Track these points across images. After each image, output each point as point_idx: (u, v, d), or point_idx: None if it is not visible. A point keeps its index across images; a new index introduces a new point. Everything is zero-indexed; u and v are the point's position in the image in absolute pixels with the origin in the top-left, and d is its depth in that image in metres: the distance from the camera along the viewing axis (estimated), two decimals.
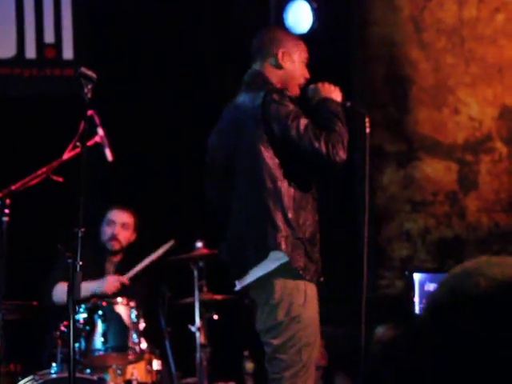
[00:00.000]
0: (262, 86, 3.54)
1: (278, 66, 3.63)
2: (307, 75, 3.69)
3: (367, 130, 3.70)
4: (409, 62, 6.64)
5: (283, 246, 3.39)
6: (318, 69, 6.13)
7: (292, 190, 3.45)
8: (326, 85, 3.64)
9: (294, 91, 3.63)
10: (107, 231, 5.24)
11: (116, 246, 5.23)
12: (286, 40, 3.69)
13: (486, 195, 6.46)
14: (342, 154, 3.43)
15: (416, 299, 5.33)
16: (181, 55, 6.14)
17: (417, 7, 6.71)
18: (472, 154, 6.52)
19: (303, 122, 3.43)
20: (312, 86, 3.66)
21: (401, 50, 6.66)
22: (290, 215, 3.42)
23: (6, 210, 4.07)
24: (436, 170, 6.49)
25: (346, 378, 5.55)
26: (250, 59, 3.70)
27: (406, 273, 5.33)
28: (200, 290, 5.05)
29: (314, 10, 6.21)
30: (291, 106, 3.46)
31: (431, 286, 5.27)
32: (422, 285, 5.30)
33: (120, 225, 5.23)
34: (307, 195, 3.51)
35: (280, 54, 3.63)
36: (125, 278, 4.94)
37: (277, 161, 3.45)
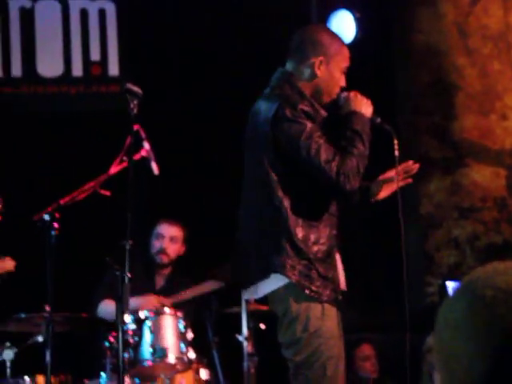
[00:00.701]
0: (282, 94, 3.38)
1: (313, 74, 3.43)
2: (343, 84, 3.48)
3: (396, 153, 3.44)
4: (454, 69, 6.61)
5: (288, 272, 3.25)
6: (362, 79, 6.14)
7: (302, 208, 3.30)
8: (358, 96, 3.44)
9: (327, 98, 3.46)
10: (156, 245, 5.28)
11: (165, 260, 5.27)
12: (327, 46, 3.44)
13: None
14: (354, 183, 3.27)
15: None
16: (224, 68, 6.19)
17: (461, 13, 6.68)
18: None
19: (315, 142, 3.25)
20: (344, 95, 3.45)
21: (446, 57, 6.63)
22: (299, 235, 3.27)
23: (56, 224, 4.14)
24: (484, 176, 6.44)
25: None
26: (286, 54, 3.50)
27: (439, 282, 5.29)
28: (247, 300, 5.06)
29: (356, 19, 6.21)
30: (305, 123, 3.28)
31: None
32: None
33: (169, 238, 5.28)
34: (321, 212, 3.35)
35: (317, 63, 3.41)
36: (167, 301, 4.98)
37: (286, 178, 3.31)
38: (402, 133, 6.55)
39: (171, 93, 6.15)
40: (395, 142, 3.44)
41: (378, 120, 3.49)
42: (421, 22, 6.66)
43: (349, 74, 3.63)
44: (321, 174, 3.27)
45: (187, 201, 6.02)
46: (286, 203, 3.29)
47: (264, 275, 3.33)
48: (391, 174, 3.58)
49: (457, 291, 1.23)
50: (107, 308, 4.88)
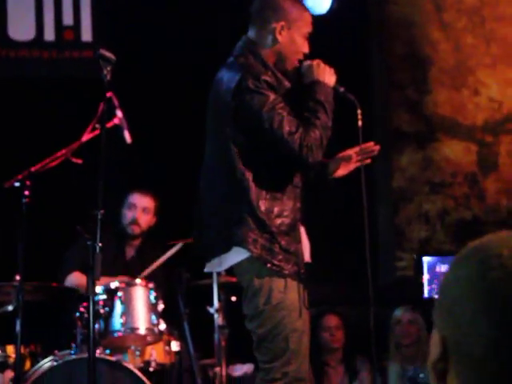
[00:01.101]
0: (245, 64, 3.32)
1: (274, 40, 3.37)
2: (306, 50, 3.43)
3: (359, 123, 3.41)
4: (429, 43, 6.60)
5: (249, 245, 3.23)
6: (337, 50, 6.12)
7: (264, 181, 3.26)
8: (322, 65, 3.40)
9: (290, 65, 3.41)
10: (128, 215, 5.22)
11: (136, 231, 5.22)
12: (288, 11, 3.38)
13: (505, 176, 6.43)
14: (317, 155, 3.25)
15: (425, 282, 5.31)
16: (199, 34, 6.12)
17: None
18: (492, 136, 6.49)
19: (278, 114, 3.22)
20: (306, 64, 3.41)
21: (420, 30, 6.61)
22: (262, 207, 3.24)
23: (26, 192, 4.08)
24: (455, 152, 6.46)
25: (366, 360, 5.56)
26: (247, 22, 3.45)
27: (415, 256, 5.30)
28: (218, 272, 5.06)
29: None
30: (268, 95, 3.24)
31: (443, 268, 5.24)
32: (431, 267, 5.28)
33: (141, 209, 5.22)
34: (284, 184, 3.32)
35: (279, 28, 3.36)
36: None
37: (247, 151, 3.27)
38: (375, 106, 6.56)
39: (145, 59, 6.07)
40: (358, 111, 3.41)
41: (342, 89, 3.45)
42: None
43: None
44: (284, 146, 3.24)
45: (158, 170, 5.97)
46: (248, 175, 3.27)
47: (226, 248, 3.31)
48: (350, 152, 3.56)
49: (467, 251, 1.24)
50: (75, 281, 4.84)
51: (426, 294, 5.41)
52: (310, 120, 3.28)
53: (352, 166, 3.58)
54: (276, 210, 3.28)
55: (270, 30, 3.38)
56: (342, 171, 3.60)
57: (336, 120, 3.36)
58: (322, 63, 3.41)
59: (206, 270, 3.52)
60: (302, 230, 3.47)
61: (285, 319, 3.29)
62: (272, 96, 3.25)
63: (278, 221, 3.28)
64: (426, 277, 5.26)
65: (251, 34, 3.43)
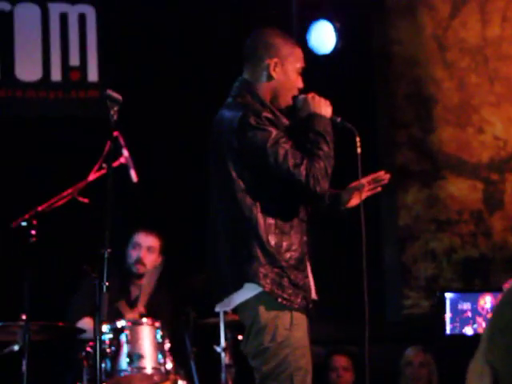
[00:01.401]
0: (244, 103, 3.38)
1: (269, 78, 3.44)
2: (301, 85, 3.49)
3: (358, 151, 3.43)
4: (433, 81, 6.65)
5: (261, 280, 3.25)
6: (341, 88, 6.15)
7: (272, 217, 3.29)
8: (316, 97, 3.44)
9: (285, 102, 3.46)
10: (133, 254, 5.23)
11: (141, 270, 5.21)
12: (280, 47, 3.45)
13: (511, 214, 6.44)
14: (323, 184, 3.29)
15: (447, 319, 5.23)
16: (204, 75, 6.16)
17: (440, 26, 6.72)
18: (497, 173, 6.50)
19: (282, 149, 3.26)
20: (301, 97, 3.46)
21: (424, 69, 6.66)
22: (271, 242, 3.27)
23: (33, 231, 4.09)
24: (461, 189, 6.48)
25: None
26: (241, 63, 3.51)
27: (438, 293, 5.23)
28: (225, 311, 5.04)
29: (336, 30, 6.23)
30: (270, 130, 3.29)
31: (465, 306, 5.17)
32: (454, 304, 5.21)
33: (146, 248, 5.22)
34: (291, 219, 3.34)
35: (272, 64, 3.43)
36: (141, 309, 4.93)
37: (253, 186, 3.30)
38: (380, 145, 6.58)
39: (150, 100, 6.10)
40: (357, 139, 3.44)
41: (339, 119, 3.48)
42: (399, 33, 6.69)
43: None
44: (290, 179, 3.27)
45: (164, 210, 5.97)
46: (256, 211, 3.29)
47: (238, 285, 3.31)
48: (363, 181, 3.59)
49: None
50: (86, 327, 4.79)
51: (448, 331, 5.32)
52: (312, 151, 3.32)
53: (364, 195, 3.61)
54: (285, 244, 3.31)
55: (264, 67, 3.44)
56: (355, 201, 3.64)
57: (336, 149, 3.40)
58: (316, 96, 3.46)
59: (216, 309, 3.50)
60: (308, 265, 3.45)
61: (289, 357, 3.27)
62: (274, 131, 3.30)
63: (288, 255, 3.30)
64: (448, 314, 5.19)
65: (246, 74, 3.49)
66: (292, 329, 3.28)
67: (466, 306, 5.27)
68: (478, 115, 6.60)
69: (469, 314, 5.26)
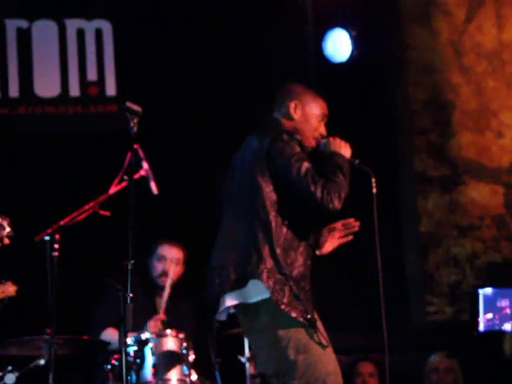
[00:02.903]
0: (274, 129, 3.60)
1: (290, 117, 3.69)
2: (323, 131, 3.73)
3: (374, 191, 3.71)
4: (450, 87, 6.64)
5: (264, 278, 3.38)
6: (358, 96, 6.16)
7: (284, 229, 3.47)
8: (338, 140, 3.67)
9: (307, 141, 3.67)
10: (158, 267, 5.23)
11: (166, 282, 5.21)
12: (301, 94, 3.75)
13: None
14: (336, 203, 3.46)
15: (481, 318, 5.10)
16: (222, 87, 6.18)
17: (455, 31, 6.72)
18: None
19: (305, 165, 3.47)
20: (324, 141, 3.70)
21: (441, 75, 6.66)
22: (277, 251, 3.43)
23: (56, 245, 4.12)
24: (482, 194, 6.46)
25: None
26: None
27: (471, 288, 5.13)
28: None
29: (352, 38, 6.24)
30: (297, 149, 3.52)
31: (503, 303, 5.06)
32: (489, 301, 5.08)
33: (171, 260, 5.22)
34: (300, 239, 3.51)
35: (292, 105, 3.70)
36: (161, 315, 4.94)
37: (274, 197, 3.49)
38: (399, 151, 6.57)
39: (168, 112, 6.13)
40: (373, 180, 3.69)
41: (357, 161, 3.71)
42: (415, 39, 6.70)
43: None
44: (308, 193, 3.44)
45: (185, 221, 5.99)
46: (273, 219, 3.46)
47: (240, 283, 3.42)
48: (335, 224, 3.77)
49: None
50: (110, 338, 4.79)
51: (481, 328, 5.24)
52: (329, 176, 3.52)
53: (336, 243, 3.78)
54: (291, 257, 3.47)
55: (286, 107, 3.72)
56: (329, 245, 3.78)
57: (352, 189, 3.58)
58: (338, 138, 3.66)
59: (221, 307, 3.55)
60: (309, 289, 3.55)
61: (318, 364, 3.37)
62: (301, 152, 3.53)
63: (291, 268, 3.45)
64: (481, 310, 5.08)
65: (274, 115, 3.76)
66: (311, 339, 3.39)
67: (505, 302, 5.16)
68: (497, 119, 6.59)
69: (507, 311, 5.16)
